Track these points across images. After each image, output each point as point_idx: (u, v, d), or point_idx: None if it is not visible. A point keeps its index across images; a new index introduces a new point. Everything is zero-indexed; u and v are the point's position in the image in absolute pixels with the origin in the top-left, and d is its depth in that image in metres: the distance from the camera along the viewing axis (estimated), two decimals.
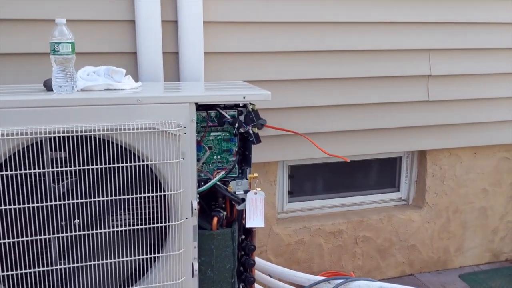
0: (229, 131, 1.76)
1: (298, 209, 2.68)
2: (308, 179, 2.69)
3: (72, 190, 1.53)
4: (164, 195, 1.60)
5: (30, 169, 1.48)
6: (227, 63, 2.23)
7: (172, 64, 2.15)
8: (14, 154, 1.45)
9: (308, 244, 2.62)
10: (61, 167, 1.54)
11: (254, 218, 1.72)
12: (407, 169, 2.87)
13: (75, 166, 1.51)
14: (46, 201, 1.50)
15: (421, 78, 2.56)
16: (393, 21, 2.42)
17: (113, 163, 1.54)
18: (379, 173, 2.84)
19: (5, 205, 1.45)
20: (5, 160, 1.44)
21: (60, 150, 1.50)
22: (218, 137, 1.76)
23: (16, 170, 1.46)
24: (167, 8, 2.08)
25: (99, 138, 1.52)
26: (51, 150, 1.49)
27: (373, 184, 2.84)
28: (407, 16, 2.43)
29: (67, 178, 1.52)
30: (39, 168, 1.48)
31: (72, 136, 1.48)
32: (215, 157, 1.76)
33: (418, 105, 2.59)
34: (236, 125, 1.70)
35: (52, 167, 1.51)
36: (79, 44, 1.75)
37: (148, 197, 1.59)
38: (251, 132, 1.72)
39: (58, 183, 1.51)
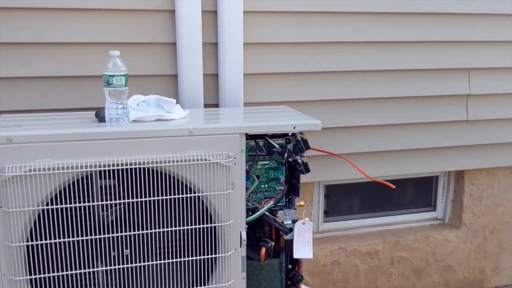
0: (277, 160, 1.74)
1: (334, 229, 2.66)
2: (344, 199, 2.67)
3: (120, 219, 1.53)
4: (214, 226, 1.59)
5: (80, 201, 1.48)
6: (265, 84, 2.21)
7: (211, 85, 2.14)
8: (65, 188, 1.45)
9: (344, 264, 2.59)
10: (110, 194, 1.55)
11: (302, 249, 1.70)
12: (443, 188, 2.83)
13: (125, 195, 1.51)
14: (95, 232, 1.50)
15: (461, 97, 2.52)
16: (432, 40, 2.38)
17: (164, 195, 1.53)
18: (415, 192, 2.80)
19: (54, 238, 1.46)
20: (55, 195, 1.45)
21: (110, 179, 1.51)
22: (265, 166, 1.74)
23: (67, 203, 1.46)
24: (208, 31, 2.07)
25: (151, 170, 1.51)
26: (101, 179, 1.49)
27: (409, 203, 2.80)
28: (448, 34, 2.39)
29: (115, 206, 1.52)
30: (89, 200, 1.48)
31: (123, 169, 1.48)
32: (262, 186, 1.75)
33: (457, 124, 2.55)
34: (285, 155, 1.68)
35: (102, 195, 1.52)
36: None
37: (198, 228, 1.59)
38: (300, 161, 1.70)
39: (107, 210, 1.51)
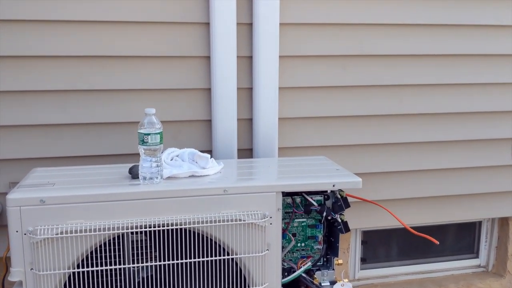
0: (314, 217, 1.66)
1: (371, 276, 2.54)
2: (382, 245, 2.56)
3: (152, 279, 1.48)
4: None
5: (112, 262, 1.44)
6: (300, 129, 2.15)
7: (245, 130, 2.09)
8: (96, 248, 1.41)
9: None
10: (142, 250, 1.51)
11: None
12: (487, 234, 2.68)
13: (156, 256, 1.46)
14: None
15: (505, 141, 2.39)
16: (469, 83, 2.29)
17: (197, 256, 1.47)
18: (456, 238, 2.67)
19: None
20: (87, 256, 1.41)
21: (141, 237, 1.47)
22: (302, 223, 1.66)
23: (98, 264, 1.42)
24: (243, 76, 2.04)
25: (184, 230, 1.46)
26: (132, 234, 1.45)
27: (450, 250, 2.66)
28: (484, 78, 2.30)
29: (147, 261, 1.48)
30: (120, 262, 1.44)
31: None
32: (299, 244, 1.67)
33: (502, 169, 2.42)
34: (324, 213, 1.60)
35: (134, 251, 1.48)
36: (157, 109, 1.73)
37: None
38: (339, 220, 1.61)
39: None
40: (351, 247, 2.45)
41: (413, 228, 1.95)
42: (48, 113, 1.89)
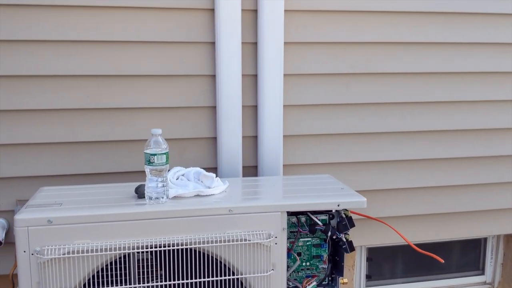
0: (319, 236, 1.67)
1: None
2: (387, 262, 2.55)
3: None
4: None
5: (118, 282, 1.45)
6: (305, 146, 2.16)
7: (250, 147, 2.11)
8: (103, 268, 1.42)
9: None
10: (148, 268, 1.52)
11: None
12: (492, 250, 2.67)
13: (162, 275, 1.47)
14: None
15: (510, 158, 2.39)
16: (476, 100, 2.30)
17: (202, 276, 1.48)
18: (462, 255, 2.65)
19: None
20: (93, 276, 1.42)
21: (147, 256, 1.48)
22: (307, 243, 1.67)
23: (105, 283, 1.43)
24: (248, 93, 2.05)
25: (190, 249, 1.47)
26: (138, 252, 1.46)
27: (455, 267, 2.65)
28: (494, 95, 2.31)
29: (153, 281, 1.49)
30: (126, 281, 1.45)
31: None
32: (304, 263, 1.67)
33: (507, 186, 2.41)
34: (329, 233, 1.60)
35: (140, 270, 1.49)
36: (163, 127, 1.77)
37: None
38: (344, 239, 1.62)
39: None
40: (356, 264, 2.45)
41: (419, 245, 1.95)
42: (56, 132, 1.91)
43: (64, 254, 1.38)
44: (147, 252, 1.46)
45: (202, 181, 1.62)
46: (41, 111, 1.89)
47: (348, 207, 1.59)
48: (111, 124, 1.96)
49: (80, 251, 1.39)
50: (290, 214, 1.60)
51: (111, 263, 1.43)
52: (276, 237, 1.53)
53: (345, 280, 1.69)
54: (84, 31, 1.86)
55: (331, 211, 1.65)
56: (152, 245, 1.44)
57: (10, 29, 1.81)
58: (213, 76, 2.01)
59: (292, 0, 2.01)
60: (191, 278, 1.47)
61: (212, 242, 1.47)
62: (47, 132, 1.90)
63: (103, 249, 1.40)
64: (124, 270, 1.46)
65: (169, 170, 1.66)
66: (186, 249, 1.46)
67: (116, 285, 1.44)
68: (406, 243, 2.37)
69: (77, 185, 1.74)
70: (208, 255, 1.49)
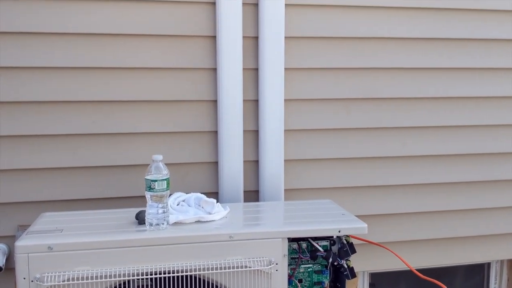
0: (321, 263, 1.66)
1: None
2: (390, 287, 2.52)
3: None
4: None
5: None
6: (306, 171, 2.16)
7: (251, 171, 2.11)
8: None
9: None
10: None
11: None
12: (496, 276, 2.64)
13: None
14: None
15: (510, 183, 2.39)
16: (476, 125, 2.31)
17: None
18: (465, 280, 2.62)
19: None
20: None
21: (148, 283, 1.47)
22: (309, 269, 1.66)
23: None
24: (248, 117, 2.07)
25: (190, 276, 1.46)
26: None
27: None
28: (494, 119, 2.32)
29: None
30: None
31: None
32: None
33: (509, 210, 2.40)
34: (330, 259, 1.59)
35: None
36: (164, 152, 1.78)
37: None
38: (345, 266, 1.61)
39: None
40: None
41: (421, 270, 1.94)
42: (58, 157, 1.92)
43: (64, 281, 1.38)
44: (147, 278, 1.45)
45: (202, 207, 1.62)
46: (45, 136, 1.90)
47: (349, 233, 1.59)
48: (112, 149, 1.97)
49: (80, 278, 1.38)
50: (291, 240, 1.60)
51: None
52: (277, 264, 1.52)
53: None
54: (86, 58, 1.90)
55: (332, 237, 1.65)
56: (152, 271, 1.44)
57: (14, 56, 1.84)
58: (215, 101, 2.03)
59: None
60: None
61: (212, 269, 1.47)
62: (50, 157, 1.91)
63: (103, 276, 1.40)
64: None
65: (170, 195, 1.66)
66: (187, 275, 1.46)
67: None
68: (408, 269, 2.36)
69: (78, 211, 1.75)
70: (208, 282, 1.48)
